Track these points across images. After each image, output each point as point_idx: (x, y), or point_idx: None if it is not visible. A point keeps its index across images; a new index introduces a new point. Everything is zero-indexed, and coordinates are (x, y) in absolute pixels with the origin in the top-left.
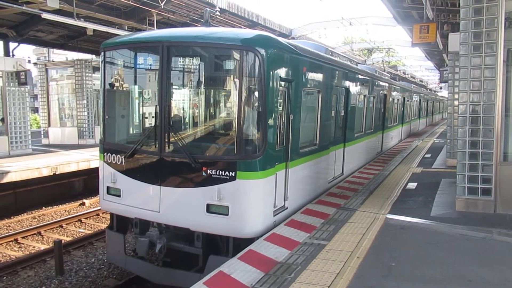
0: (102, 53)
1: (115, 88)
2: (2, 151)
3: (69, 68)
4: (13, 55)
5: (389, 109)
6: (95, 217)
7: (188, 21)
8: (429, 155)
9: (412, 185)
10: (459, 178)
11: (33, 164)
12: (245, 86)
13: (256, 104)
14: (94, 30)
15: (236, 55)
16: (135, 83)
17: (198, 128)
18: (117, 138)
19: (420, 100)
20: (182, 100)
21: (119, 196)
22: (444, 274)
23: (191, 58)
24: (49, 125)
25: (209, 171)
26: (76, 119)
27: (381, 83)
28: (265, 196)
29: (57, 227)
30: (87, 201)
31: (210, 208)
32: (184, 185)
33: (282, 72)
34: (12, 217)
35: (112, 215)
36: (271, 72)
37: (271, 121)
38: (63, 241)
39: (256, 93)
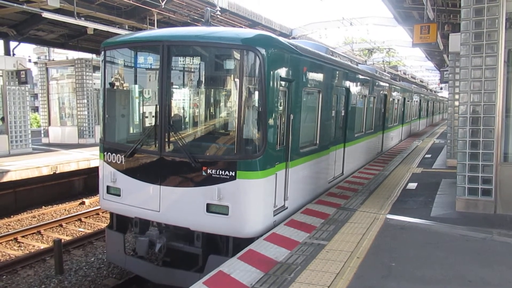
0: (103, 53)
1: (115, 87)
2: (2, 150)
3: (69, 67)
4: (13, 54)
5: (390, 109)
6: (95, 216)
7: (189, 21)
8: (429, 156)
9: (412, 186)
10: (460, 178)
11: (33, 163)
12: (245, 86)
13: (257, 103)
14: (95, 30)
15: (237, 55)
16: (135, 83)
17: (198, 127)
18: (117, 138)
19: (420, 100)
20: (182, 99)
21: (119, 195)
22: (444, 275)
23: (192, 58)
24: (49, 124)
25: (209, 171)
26: (76, 118)
27: (381, 83)
28: (265, 196)
29: (57, 226)
30: (87, 201)
31: (210, 208)
32: (184, 185)
33: (282, 72)
34: (12, 216)
35: (112, 214)
36: (272, 72)
37: (271, 121)
38: (62, 240)
39: (257, 93)
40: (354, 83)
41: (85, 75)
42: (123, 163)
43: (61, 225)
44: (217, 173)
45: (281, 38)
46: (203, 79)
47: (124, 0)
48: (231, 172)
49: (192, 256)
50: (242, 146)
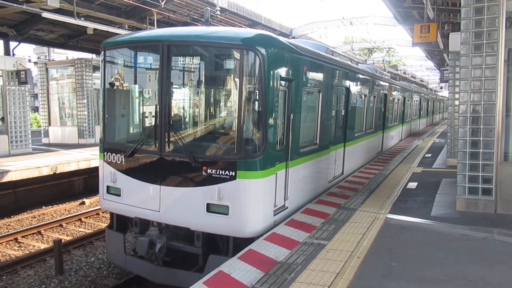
0: (102, 52)
1: (115, 87)
2: (2, 150)
3: (69, 67)
4: (13, 54)
5: (390, 108)
6: (95, 216)
7: (189, 20)
8: (429, 155)
9: (413, 185)
10: (460, 178)
11: (33, 163)
12: (245, 86)
13: (257, 103)
14: (95, 29)
15: (237, 55)
16: (135, 82)
17: (198, 127)
18: (117, 138)
19: (420, 99)
20: (182, 99)
21: (119, 195)
22: (445, 274)
23: (192, 58)
24: (49, 124)
25: (209, 171)
26: (76, 118)
27: (381, 82)
28: (265, 195)
29: (57, 226)
30: (87, 201)
31: (210, 208)
32: (184, 185)
33: (282, 71)
34: (12, 216)
35: (112, 214)
36: (272, 72)
37: (271, 121)
38: (63, 241)
39: (257, 93)
40: (354, 83)
41: (85, 75)
42: (123, 163)
43: (61, 225)
44: (217, 173)
45: (281, 38)
46: (203, 79)
47: (124, 0)
48: (231, 172)
49: (192, 256)
50: (242, 146)
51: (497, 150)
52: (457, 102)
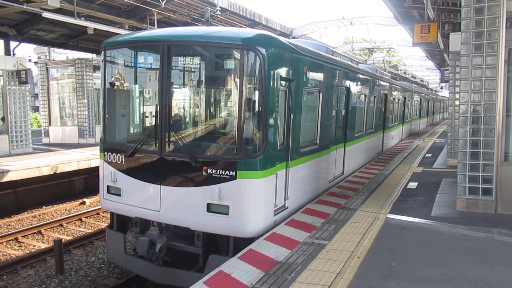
0: (103, 52)
1: (115, 87)
2: (3, 150)
3: (69, 67)
4: (13, 54)
5: (390, 108)
6: (95, 216)
7: (189, 20)
8: (429, 155)
9: (413, 185)
10: (460, 178)
11: (33, 163)
12: (245, 86)
13: (257, 103)
14: (95, 29)
15: (237, 55)
16: (135, 82)
17: (199, 127)
18: (117, 137)
19: (420, 100)
20: (182, 99)
21: (119, 195)
22: (445, 274)
23: (192, 58)
24: (50, 124)
25: (209, 171)
26: (77, 118)
27: (381, 82)
28: (265, 195)
29: (57, 226)
30: (87, 200)
31: (210, 208)
32: (184, 185)
33: (282, 71)
34: (12, 216)
35: (112, 214)
36: (272, 72)
37: (271, 121)
38: (63, 240)
39: (257, 93)
40: (355, 83)
41: (85, 75)
42: (123, 163)
43: (61, 225)
44: (218, 173)
45: (281, 38)
46: (203, 78)
47: (124, 0)
48: (231, 172)
49: (193, 256)
50: (242, 145)
51: (497, 150)
52: (457, 102)
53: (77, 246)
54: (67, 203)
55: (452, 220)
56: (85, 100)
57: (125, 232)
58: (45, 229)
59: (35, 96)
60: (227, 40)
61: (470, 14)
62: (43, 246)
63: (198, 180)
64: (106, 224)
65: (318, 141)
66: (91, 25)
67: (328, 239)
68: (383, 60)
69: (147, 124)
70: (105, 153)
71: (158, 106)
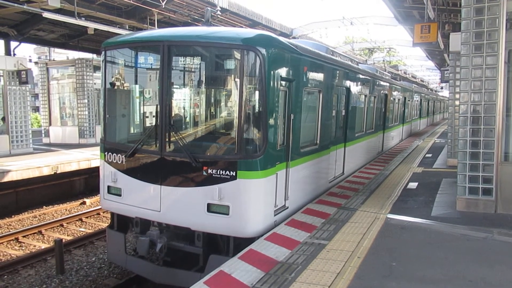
0: (103, 52)
1: (116, 87)
2: (3, 150)
3: (70, 67)
4: (14, 54)
5: (390, 109)
6: (95, 216)
7: (189, 21)
8: (430, 155)
9: (413, 185)
10: (460, 178)
11: (34, 163)
12: (245, 86)
13: (257, 103)
14: (95, 29)
15: (237, 55)
16: (136, 83)
17: (199, 127)
18: (118, 137)
19: (421, 100)
20: (183, 99)
21: (119, 195)
22: (445, 274)
23: (192, 58)
24: (50, 124)
25: (209, 171)
26: (77, 118)
27: (382, 83)
28: (265, 195)
29: (57, 226)
30: (87, 200)
31: (210, 208)
32: (184, 185)
33: (283, 71)
34: (13, 216)
35: (112, 214)
36: (272, 72)
37: (271, 121)
38: (63, 240)
39: (257, 93)
40: (355, 83)
41: (85, 75)
42: (123, 163)
43: (62, 225)
44: (218, 173)
45: (281, 38)
46: (203, 79)
47: (125, 0)
48: (231, 172)
49: (193, 256)
50: (242, 146)
51: (497, 150)
52: (457, 102)
53: (78, 246)
54: (68, 203)
55: (452, 220)
56: (86, 100)
57: (126, 232)
58: (45, 229)
59: (36, 96)
60: (228, 40)
61: (470, 14)
62: (44, 246)
63: (199, 180)
64: (107, 224)
65: (318, 141)
66: (92, 25)
67: (328, 239)
68: (383, 60)
69: (148, 124)
70: (106, 153)
71: (158, 106)
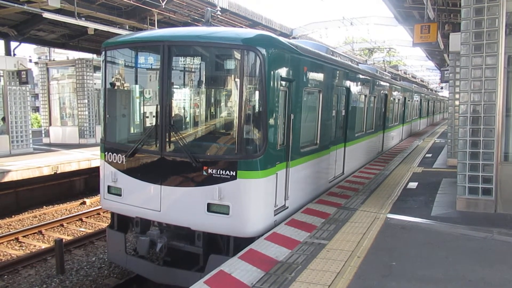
0: (103, 53)
1: (116, 87)
2: (3, 150)
3: (70, 68)
4: (14, 54)
5: (390, 109)
6: (96, 216)
7: (189, 21)
8: (429, 155)
9: (413, 185)
10: (460, 177)
11: (34, 163)
12: (246, 86)
13: (257, 103)
14: (95, 30)
15: (237, 55)
16: (136, 83)
17: (199, 127)
18: (118, 138)
19: (421, 100)
20: (183, 99)
21: (120, 195)
22: (445, 274)
23: (192, 58)
24: (50, 124)
25: (209, 171)
26: (77, 118)
27: (382, 83)
28: (265, 195)
29: (58, 226)
30: (88, 200)
31: (210, 208)
32: (184, 185)
33: (283, 71)
34: (13, 216)
35: (113, 214)
36: (272, 72)
37: (271, 121)
38: (64, 240)
39: (257, 93)
40: (355, 83)
41: (85, 75)
42: (124, 163)
43: (62, 225)
44: (218, 172)
45: (281, 38)
46: (203, 79)
47: (125, 0)
48: (231, 172)
49: (193, 255)
50: (242, 146)
51: (497, 150)
52: (457, 102)
53: (78, 246)
54: (68, 203)
55: (452, 220)
56: (86, 100)
57: (126, 232)
58: (45, 229)
59: (36, 96)
60: (228, 41)
61: (470, 15)
62: (44, 246)
63: (199, 180)
64: (107, 224)
65: (318, 141)
66: (92, 26)
67: (328, 239)
68: (383, 60)
69: (148, 124)
70: (106, 153)
71: (158, 106)
